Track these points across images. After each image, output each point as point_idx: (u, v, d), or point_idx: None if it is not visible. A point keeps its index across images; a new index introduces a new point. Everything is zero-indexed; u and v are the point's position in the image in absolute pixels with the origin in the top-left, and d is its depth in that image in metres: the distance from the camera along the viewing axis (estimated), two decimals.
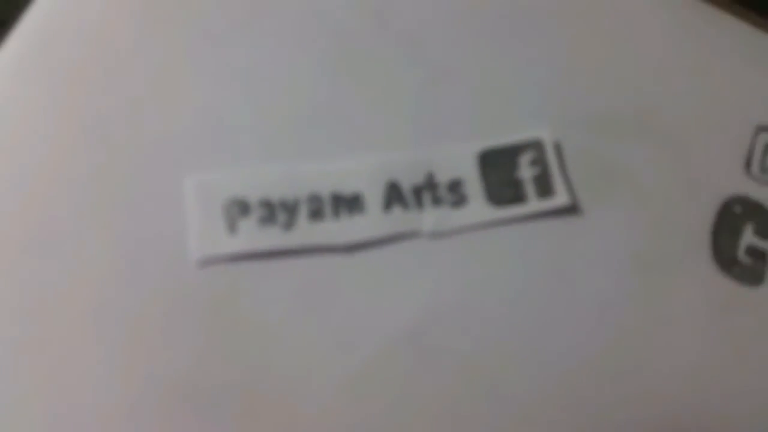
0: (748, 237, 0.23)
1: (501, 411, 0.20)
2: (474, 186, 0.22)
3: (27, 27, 0.21)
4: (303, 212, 0.21)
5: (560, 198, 0.22)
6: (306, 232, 0.21)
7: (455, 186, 0.22)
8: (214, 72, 0.22)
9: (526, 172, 0.22)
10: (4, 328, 0.19)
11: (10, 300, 0.19)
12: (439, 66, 0.23)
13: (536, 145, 0.22)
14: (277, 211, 0.21)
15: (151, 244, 0.20)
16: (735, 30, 0.25)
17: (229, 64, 0.22)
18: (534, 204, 0.22)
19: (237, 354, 0.20)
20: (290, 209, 0.21)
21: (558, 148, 0.22)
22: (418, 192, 0.21)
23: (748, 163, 0.23)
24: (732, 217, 0.23)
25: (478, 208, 0.21)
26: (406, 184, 0.21)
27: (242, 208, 0.20)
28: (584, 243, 0.22)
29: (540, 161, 0.22)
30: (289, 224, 0.21)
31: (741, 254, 0.23)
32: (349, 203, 0.21)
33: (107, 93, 0.21)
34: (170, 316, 0.20)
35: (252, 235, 0.20)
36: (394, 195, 0.21)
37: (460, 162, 0.22)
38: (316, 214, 0.21)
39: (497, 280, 0.21)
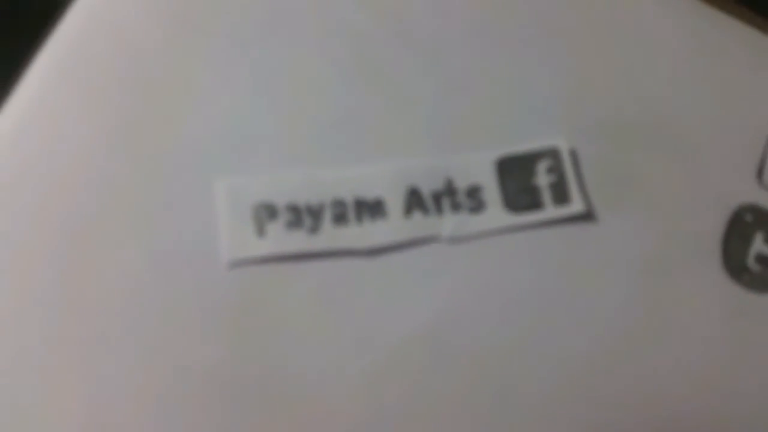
0: (758, 245, 0.23)
1: (513, 410, 0.21)
2: (492, 192, 0.22)
3: (62, 33, 0.22)
4: (327, 217, 0.21)
5: (576, 205, 0.22)
6: (330, 236, 0.21)
7: (474, 192, 0.22)
8: (242, 80, 0.22)
9: (542, 179, 0.22)
10: (41, 325, 0.20)
11: (46, 299, 0.20)
12: (457, 74, 0.23)
13: (553, 153, 0.22)
14: (303, 216, 0.21)
15: (183, 246, 0.21)
16: (747, 38, 0.25)
17: (258, 72, 0.22)
18: (550, 211, 0.22)
19: (263, 351, 0.20)
20: (315, 214, 0.21)
21: (574, 156, 0.23)
22: (437, 198, 0.22)
23: (760, 172, 0.24)
24: (743, 225, 0.23)
25: (495, 214, 0.22)
26: (426, 189, 0.22)
27: (270, 212, 0.21)
28: (598, 249, 0.22)
29: (557, 169, 0.22)
30: (315, 228, 0.21)
31: (751, 262, 0.23)
32: (371, 208, 0.21)
33: (138, 99, 0.22)
34: (201, 315, 0.20)
35: (279, 239, 0.21)
36: (414, 200, 0.22)
37: (478, 169, 0.22)
38: (340, 218, 0.21)
39: (512, 284, 0.22)
